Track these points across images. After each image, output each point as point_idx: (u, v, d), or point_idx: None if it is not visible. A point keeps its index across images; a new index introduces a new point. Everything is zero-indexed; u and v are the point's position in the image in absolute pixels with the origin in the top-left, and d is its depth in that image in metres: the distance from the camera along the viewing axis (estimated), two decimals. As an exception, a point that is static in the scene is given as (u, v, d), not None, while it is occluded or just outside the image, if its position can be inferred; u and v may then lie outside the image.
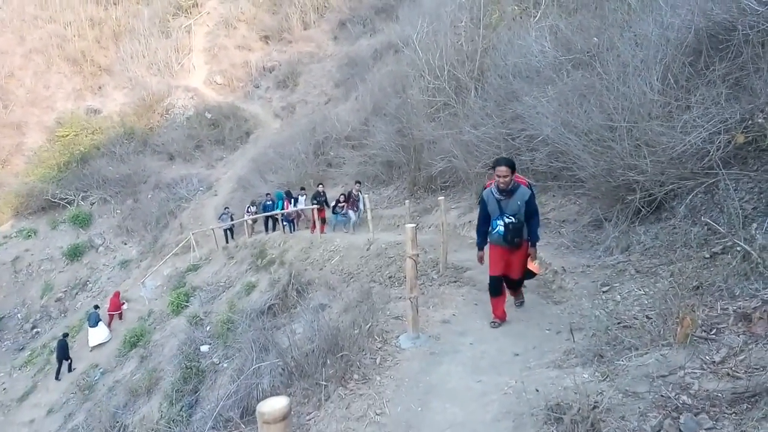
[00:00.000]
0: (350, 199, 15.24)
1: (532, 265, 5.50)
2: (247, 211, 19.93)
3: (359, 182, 16.23)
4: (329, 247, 14.13)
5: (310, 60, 32.16)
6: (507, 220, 5.26)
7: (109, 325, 18.51)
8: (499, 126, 10.92)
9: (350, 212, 15.28)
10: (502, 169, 5.18)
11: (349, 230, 15.40)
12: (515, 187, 5.27)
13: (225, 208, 21.96)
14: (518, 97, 10.58)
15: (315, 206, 15.63)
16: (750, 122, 5.18)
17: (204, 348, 13.51)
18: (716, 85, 6.19)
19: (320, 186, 16.54)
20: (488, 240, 5.51)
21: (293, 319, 11.76)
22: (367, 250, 12.36)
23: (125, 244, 25.88)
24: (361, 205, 15.05)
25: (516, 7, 14.15)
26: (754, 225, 4.54)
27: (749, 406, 2.37)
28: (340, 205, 15.50)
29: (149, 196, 27.52)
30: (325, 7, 34.28)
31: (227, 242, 20.58)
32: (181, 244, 21.93)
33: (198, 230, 22.46)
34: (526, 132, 9.84)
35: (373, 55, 25.85)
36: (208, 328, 14.40)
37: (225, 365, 12.44)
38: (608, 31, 9.42)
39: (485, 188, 5.75)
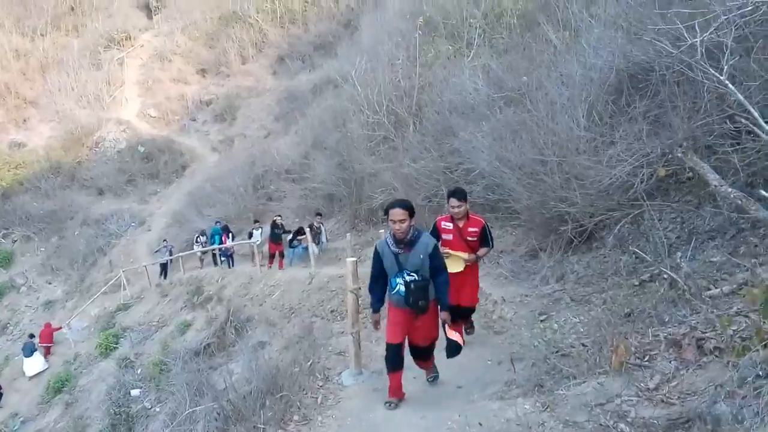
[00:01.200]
0: (312, 232, 14.48)
1: (452, 334, 4.53)
2: (196, 242, 19.06)
3: (320, 214, 15.48)
4: (270, 281, 13.83)
5: (249, 94, 31.98)
6: (408, 278, 4.20)
7: (45, 356, 17.55)
8: (438, 159, 11.18)
9: (312, 245, 14.49)
10: (397, 212, 4.12)
11: (309, 264, 14.53)
12: (416, 237, 4.21)
13: (163, 241, 21.15)
14: (455, 132, 10.89)
15: (261, 240, 15.45)
16: (670, 156, 5.52)
17: (135, 392, 12.78)
18: (637, 122, 6.60)
19: (278, 218, 15.81)
20: (388, 299, 4.50)
21: (231, 358, 11.34)
22: (309, 284, 12.16)
23: (50, 283, 24.30)
24: (323, 238, 14.67)
25: (450, 47, 14.72)
26: (679, 253, 4.78)
27: (682, 432, 2.45)
28: (298, 238, 14.83)
29: (76, 232, 26.10)
30: (264, 42, 34.35)
31: (164, 278, 19.70)
32: (110, 283, 20.85)
33: (129, 267, 21.45)
34: (464, 165, 10.11)
35: (313, 90, 26.04)
36: (139, 371, 13.66)
37: (157, 410, 11.78)
38: (536, 71, 9.93)
39: (435, 226, 5.48)
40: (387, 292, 4.43)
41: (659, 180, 5.84)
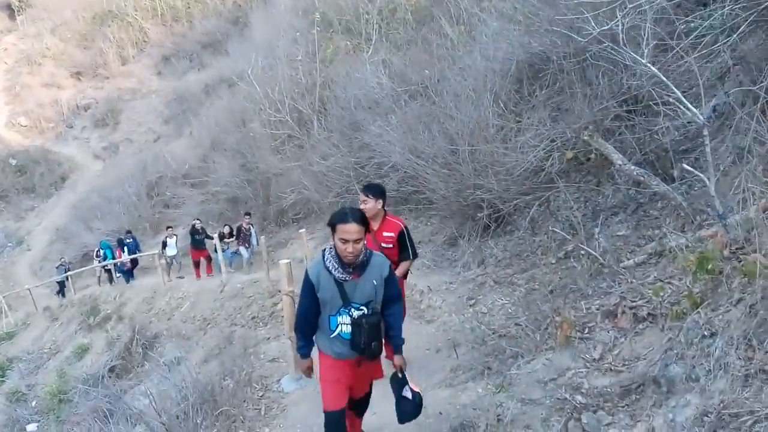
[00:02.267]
0: (240, 234, 13.27)
1: (415, 386, 3.18)
2: (97, 256, 17.16)
3: (249, 214, 13.82)
4: (176, 294, 13.10)
5: (132, 96, 30.04)
6: (356, 314, 3.03)
7: None
8: (347, 155, 11.15)
9: (242, 249, 13.38)
10: (351, 228, 2.86)
11: (242, 269, 13.44)
12: (367, 257, 3.04)
13: (61, 258, 19.24)
14: (362, 126, 10.92)
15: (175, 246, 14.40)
16: (575, 140, 5.91)
17: (31, 427, 11.55)
18: (539, 110, 7.00)
19: (197, 221, 14.31)
20: (319, 348, 3.25)
21: (141, 379, 10.62)
22: (221, 292, 11.67)
23: None
24: (253, 240, 13.23)
25: (348, 43, 14.74)
26: (597, 230, 5.12)
27: (638, 396, 2.62)
28: (225, 241, 13.49)
29: (-58, 258, 23.17)
30: (145, 41, 32.33)
31: (62, 297, 17.93)
32: (-12, 311, 18.71)
33: (10, 292, 19.39)
34: (375, 160, 10.16)
35: (205, 90, 24.93)
36: (33, 404, 12.40)
37: (60, 444, 10.78)
38: (438, 64, 10.21)
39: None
40: (317, 337, 3.22)
41: (567, 162, 6.23)
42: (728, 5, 4.76)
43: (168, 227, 15.84)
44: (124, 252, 16.45)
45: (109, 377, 11.40)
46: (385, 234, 4.46)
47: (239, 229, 13.25)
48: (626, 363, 2.89)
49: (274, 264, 12.02)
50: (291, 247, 12.94)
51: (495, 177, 6.66)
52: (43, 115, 30.51)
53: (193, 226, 14.14)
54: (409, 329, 6.13)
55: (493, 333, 4.48)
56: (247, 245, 13.28)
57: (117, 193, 21.19)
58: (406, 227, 4.56)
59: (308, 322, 3.18)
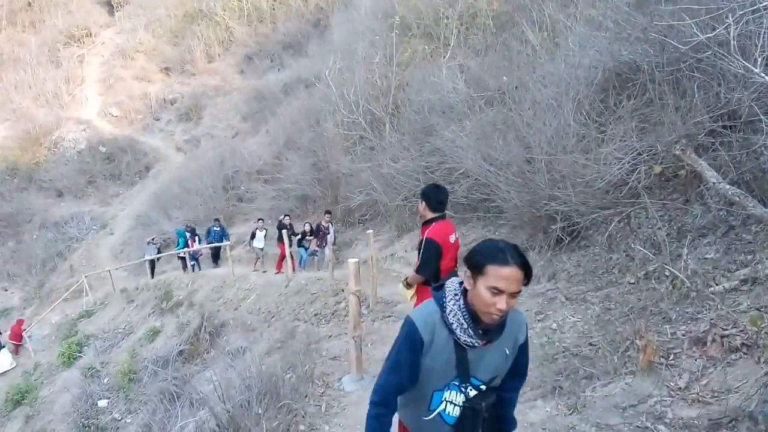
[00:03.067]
0: (319, 233, 12.87)
1: None
2: (186, 244, 17.34)
3: (329, 212, 13.34)
4: (244, 285, 13.50)
5: (216, 93, 31.30)
6: (471, 393, 2.11)
7: (15, 352, 16.87)
8: (418, 159, 11.10)
9: (322, 249, 12.94)
10: (513, 274, 1.89)
11: (322, 268, 12.99)
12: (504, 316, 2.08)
13: (152, 237, 19.37)
14: (435, 131, 10.84)
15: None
16: (664, 154, 5.57)
17: (102, 403, 12.21)
18: (624, 121, 6.66)
19: (286, 218, 13.83)
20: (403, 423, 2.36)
21: (207, 365, 11.00)
22: (286, 287, 11.91)
23: (6, 290, 23.18)
24: (330, 239, 12.54)
25: (426, 47, 14.71)
26: (685, 251, 4.79)
27: (729, 432, 2.40)
28: (308, 238, 13.41)
29: (34, 236, 25.01)
30: (230, 40, 33.68)
31: (152, 276, 18.40)
32: (72, 289, 19.99)
33: (92, 272, 20.63)
34: (446, 165, 10.06)
35: (283, 90, 25.62)
36: (106, 381, 13.08)
37: (128, 421, 11.32)
38: (517, 70, 9.97)
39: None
40: (402, 411, 2.30)
41: (655, 177, 5.89)
42: None
43: (259, 219, 15.92)
44: (195, 242, 17.13)
45: (177, 361, 11.90)
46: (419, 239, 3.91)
47: (318, 227, 12.84)
48: (716, 395, 2.66)
49: (339, 263, 12.21)
50: (356, 248, 13.03)
51: (573, 189, 6.39)
52: (132, 106, 32.33)
53: (280, 221, 13.83)
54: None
55: (565, 351, 4.28)
56: (323, 244, 12.78)
57: (195, 185, 22.08)
58: (428, 238, 3.75)
59: (396, 391, 2.13)
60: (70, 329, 17.49)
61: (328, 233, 12.56)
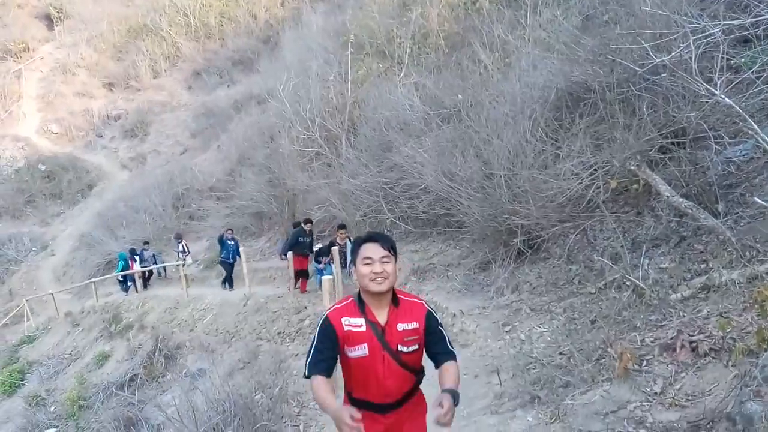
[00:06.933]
0: (332, 249, 10.00)
1: None
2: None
3: (344, 227, 10.60)
4: (199, 305, 13.17)
5: (162, 109, 30.52)
6: None
7: None
8: (377, 175, 11.19)
9: (331, 267, 9.98)
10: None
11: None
12: None
13: (144, 243, 17.45)
14: (393, 147, 10.97)
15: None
16: (619, 169, 5.86)
17: (50, 432, 11.60)
18: (579, 138, 6.97)
19: (308, 225, 11.56)
20: None
21: (164, 389, 10.64)
22: (244, 305, 11.69)
23: (-64, 316, 21.63)
24: (349, 258, 9.44)
25: (380, 65, 14.93)
26: (647, 261, 5.04)
27: (708, 432, 2.55)
28: (320, 258, 10.78)
29: (-32, 259, 23.53)
30: (177, 56, 32.97)
31: (145, 288, 16.69)
32: (11, 314, 18.97)
33: (33, 296, 19.60)
34: (405, 180, 10.19)
35: (234, 106, 25.27)
36: (53, 409, 12.44)
37: (79, 451, 10.79)
38: (471, 89, 10.28)
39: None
40: None
41: (608, 192, 6.18)
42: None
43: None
44: (136, 262, 16.50)
45: (131, 386, 11.45)
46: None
47: (332, 244, 10.23)
48: (690, 398, 2.81)
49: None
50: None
51: (533, 203, 6.62)
52: (74, 123, 31.07)
53: (301, 227, 11.57)
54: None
55: (536, 361, 4.40)
56: (342, 263, 9.79)
57: (143, 203, 21.42)
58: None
59: None
60: (11, 356, 16.57)
61: (346, 249, 9.92)
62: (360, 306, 2.42)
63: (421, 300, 2.57)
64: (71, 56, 33.72)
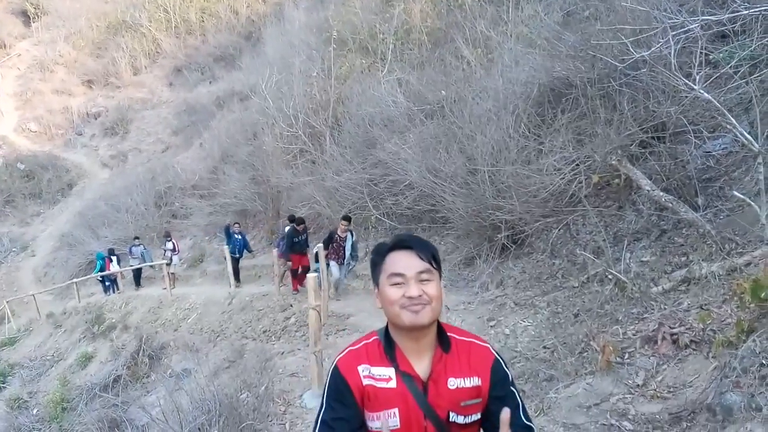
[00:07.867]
0: (332, 244, 9.17)
1: None
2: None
3: (349, 219, 9.64)
4: (183, 305, 13.06)
5: (143, 106, 30.15)
6: None
7: None
8: (361, 171, 11.18)
9: (332, 264, 9.16)
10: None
11: (340, 288, 9.84)
12: None
13: (135, 239, 16.63)
14: (377, 143, 10.97)
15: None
16: (600, 164, 5.92)
17: (32, 436, 11.44)
18: (561, 133, 7.03)
19: (300, 225, 10.53)
20: None
21: (149, 389, 10.54)
22: (229, 304, 11.62)
23: None
24: (347, 253, 9.21)
25: (363, 61, 14.88)
26: (628, 255, 5.10)
27: (689, 424, 2.59)
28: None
29: (-55, 260, 23.08)
30: (158, 52, 32.56)
31: (138, 286, 16.26)
32: (-10, 316, 18.59)
33: (13, 297, 19.28)
34: (390, 177, 10.19)
35: (215, 102, 25.04)
36: (35, 411, 12.29)
37: (62, 454, 10.67)
38: (454, 85, 10.30)
39: None
40: None
41: (590, 187, 6.24)
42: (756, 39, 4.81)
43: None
44: (112, 263, 16.27)
45: (115, 386, 11.32)
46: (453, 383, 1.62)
47: (330, 236, 9.31)
48: (671, 390, 2.86)
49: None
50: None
51: (517, 198, 6.66)
52: (52, 121, 30.59)
53: (294, 226, 10.65)
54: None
55: (520, 355, 4.44)
56: (339, 259, 9.23)
57: (124, 202, 21.14)
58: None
59: None
60: (-9, 359, 16.26)
61: (345, 245, 9.20)
62: (388, 349, 1.56)
63: (485, 342, 1.65)
64: (49, 53, 33.15)
